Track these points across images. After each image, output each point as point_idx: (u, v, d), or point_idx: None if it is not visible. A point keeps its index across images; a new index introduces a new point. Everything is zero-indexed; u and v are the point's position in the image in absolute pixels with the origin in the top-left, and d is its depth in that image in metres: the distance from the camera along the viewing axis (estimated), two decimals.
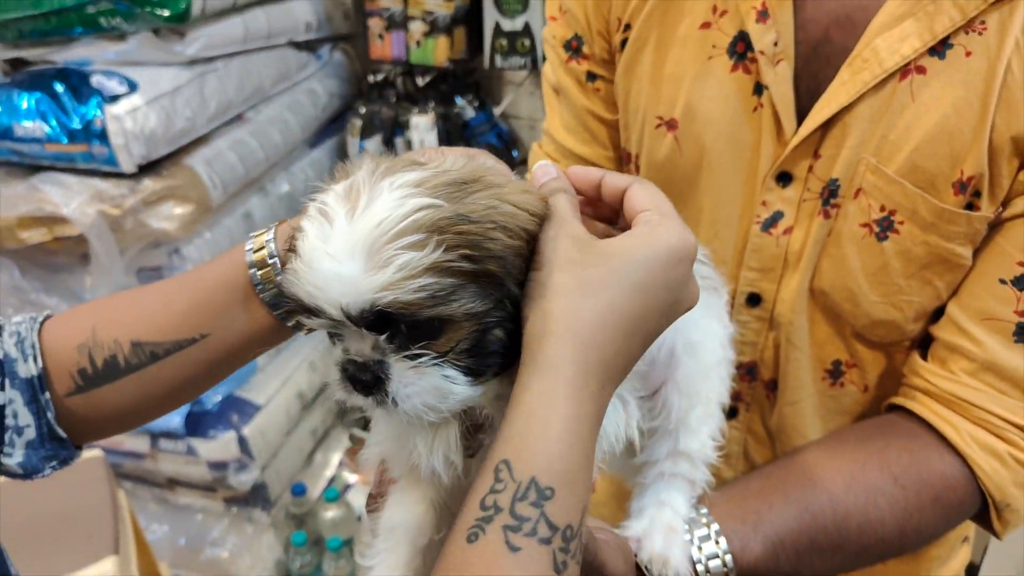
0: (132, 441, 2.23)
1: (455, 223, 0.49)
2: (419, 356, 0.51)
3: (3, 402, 0.67)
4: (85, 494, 1.87)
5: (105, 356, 0.69)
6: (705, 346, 0.72)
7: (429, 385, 0.51)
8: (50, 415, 0.69)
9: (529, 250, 0.53)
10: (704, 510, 0.73)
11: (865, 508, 0.75)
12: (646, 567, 0.68)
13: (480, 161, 0.58)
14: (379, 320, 0.50)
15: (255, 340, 0.69)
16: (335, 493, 2.39)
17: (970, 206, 0.74)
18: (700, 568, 0.71)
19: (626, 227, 0.57)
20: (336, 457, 2.61)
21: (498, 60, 2.40)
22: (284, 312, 0.66)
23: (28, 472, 0.69)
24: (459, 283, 0.49)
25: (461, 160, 0.56)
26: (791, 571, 0.75)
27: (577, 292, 0.50)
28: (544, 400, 0.48)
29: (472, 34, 2.45)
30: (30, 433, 0.68)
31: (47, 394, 0.69)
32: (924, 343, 0.82)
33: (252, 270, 0.65)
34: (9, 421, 0.68)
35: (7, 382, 0.67)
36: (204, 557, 2.30)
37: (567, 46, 0.94)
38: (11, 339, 0.69)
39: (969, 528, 0.97)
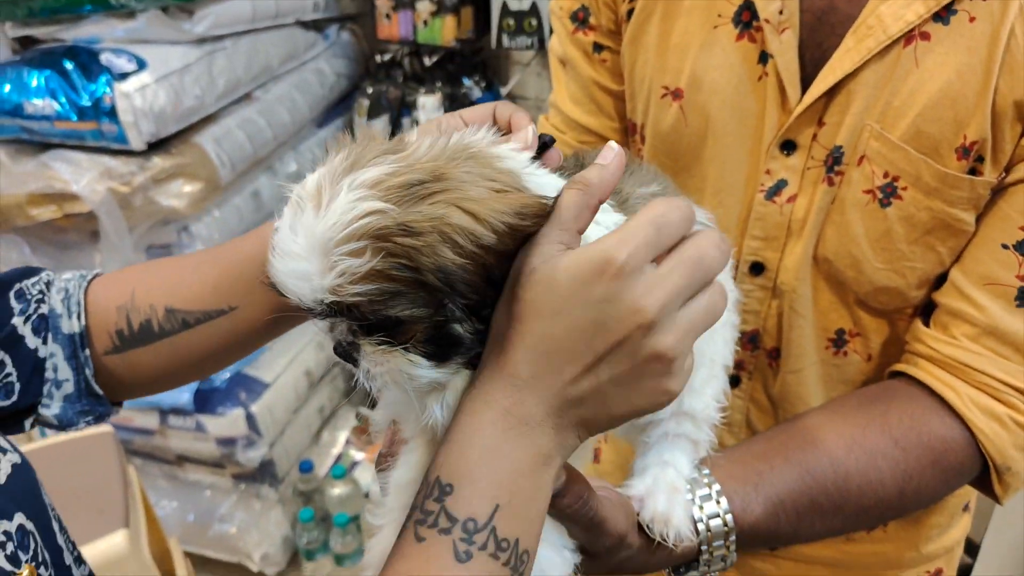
0: (142, 418, 2.25)
1: (396, 233, 0.49)
2: (385, 341, 0.53)
3: (45, 355, 0.71)
4: (96, 470, 1.89)
5: (141, 320, 0.72)
6: None
7: (395, 367, 0.54)
8: (88, 372, 0.72)
9: (495, 258, 0.52)
10: (706, 470, 0.74)
11: (865, 470, 0.75)
12: (648, 526, 0.69)
13: (480, 137, 0.56)
14: (338, 311, 0.52)
15: (281, 317, 0.70)
16: (342, 470, 2.41)
17: (973, 171, 0.74)
18: (701, 527, 0.71)
19: None
20: (343, 435, 2.64)
21: (505, 40, 2.39)
22: None
23: (63, 424, 0.72)
24: (399, 289, 0.50)
25: (442, 144, 0.54)
26: (791, 532, 0.76)
27: (503, 321, 0.53)
28: (456, 416, 0.54)
29: (479, 14, 2.45)
30: (68, 387, 0.72)
31: (87, 351, 0.72)
32: (927, 311, 0.82)
33: None
34: (49, 374, 0.71)
35: (50, 336, 0.71)
36: (212, 533, 2.34)
37: (574, 17, 0.95)
38: (59, 295, 0.72)
39: (969, 497, 0.98)
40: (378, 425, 0.66)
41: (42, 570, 0.58)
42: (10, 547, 0.55)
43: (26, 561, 0.56)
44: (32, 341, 0.70)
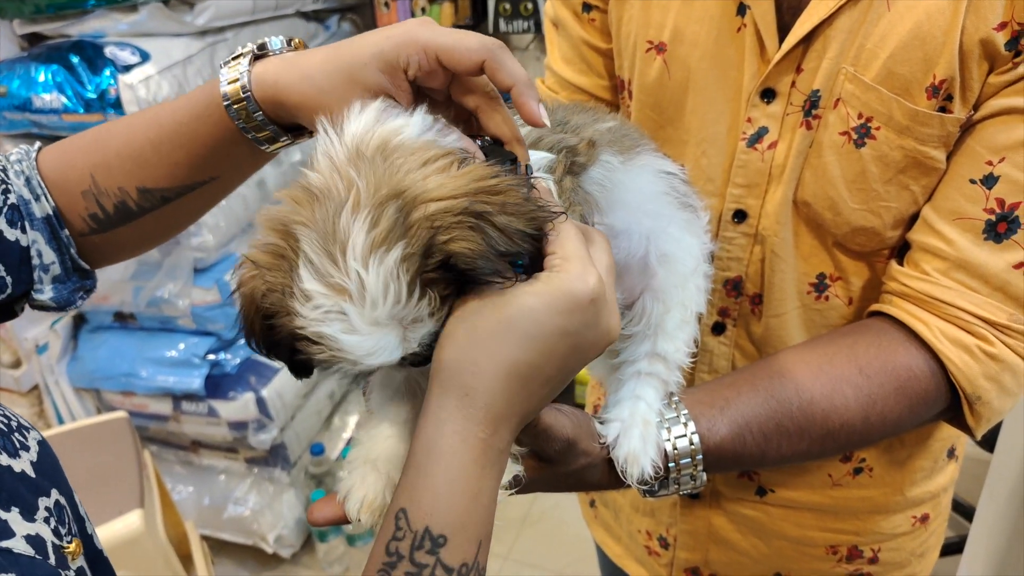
0: (155, 404, 2.30)
1: (423, 260, 0.51)
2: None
3: (27, 244, 0.70)
4: (111, 453, 1.93)
5: (113, 202, 0.71)
6: (678, 257, 0.76)
7: None
8: (72, 250, 0.72)
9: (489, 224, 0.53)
10: (675, 398, 0.77)
11: (830, 395, 0.78)
12: (621, 468, 0.72)
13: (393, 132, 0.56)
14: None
15: (259, 165, 0.73)
16: None
17: (943, 110, 0.76)
18: (668, 447, 0.74)
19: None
20: (353, 419, 2.67)
21: (502, 24, 2.42)
22: (278, 144, 0.69)
23: (61, 305, 0.73)
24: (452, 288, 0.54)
25: (363, 161, 0.54)
26: (759, 453, 0.78)
27: (466, 344, 0.53)
28: (430, 452, 0.53)
29: None
30: (55, 269, 0.72)
31: (65, 230, 0.71)
32: (903, 252, 0.84)
33: (239, 124, 0.66)
34: (35, 260, 0.71)
35: (27, 224, 0.70)
36: (227, 516, 2.38)
37: None
38: (19, 179, 0.70)
39: (954, 442, 0.99)
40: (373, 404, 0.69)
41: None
42: (52, 522, 0.55)
43: (65, 534, 0.56)
44: (11, 233, 0.69)
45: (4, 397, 2.38)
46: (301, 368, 0.60)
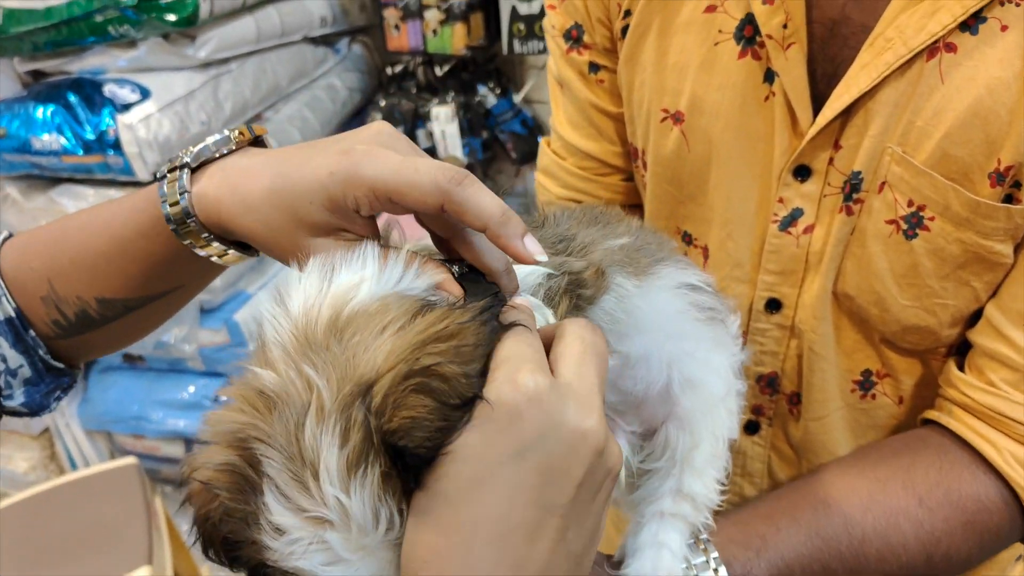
0: (167, 447, 2.25)
1: (398, 471, 0.42)
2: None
3: None
4: (120, 503, 1.88)
5: (75, 310, 0.66)
6: (706, 382, 0.65)
7: None
8: (41, 351, 0.67)
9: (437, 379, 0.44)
10: (704, 536, 0.67)
11: (885, 532, 0.68)
12: None
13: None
14: None
15: (223, 269, 0.67)
16: None
17: (1009, 198, 0.66)
18: None
19: None
20: None
21: (516, 45, 2.33)
22: (235, 258, 0.62)
23: (34, 410, 0.68)
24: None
25: (318, 354, 0.44)
26: None
27: (415, 528, 0.41)
28: None
29: (489, 20, 2.38)
30: (25, 372, 0.67)
31: (31, 331, 0.66)
32: (962, 350, 0.74)
33: (188, 243, 0.58)
34: None
35: None
36: None
37: (567, 36, 0.88)
38: None
39: None
40: None
41: None
42: None
43: None
44: None
45: (15, 440, 2.35)
46: None
